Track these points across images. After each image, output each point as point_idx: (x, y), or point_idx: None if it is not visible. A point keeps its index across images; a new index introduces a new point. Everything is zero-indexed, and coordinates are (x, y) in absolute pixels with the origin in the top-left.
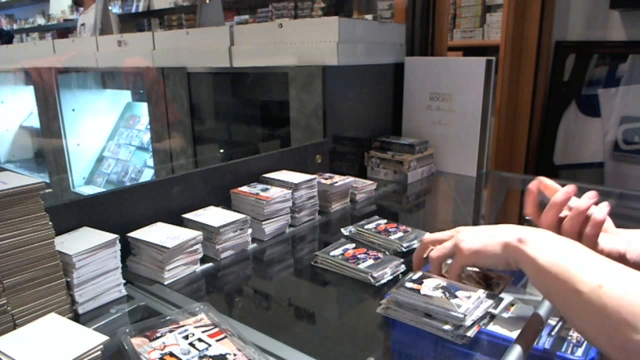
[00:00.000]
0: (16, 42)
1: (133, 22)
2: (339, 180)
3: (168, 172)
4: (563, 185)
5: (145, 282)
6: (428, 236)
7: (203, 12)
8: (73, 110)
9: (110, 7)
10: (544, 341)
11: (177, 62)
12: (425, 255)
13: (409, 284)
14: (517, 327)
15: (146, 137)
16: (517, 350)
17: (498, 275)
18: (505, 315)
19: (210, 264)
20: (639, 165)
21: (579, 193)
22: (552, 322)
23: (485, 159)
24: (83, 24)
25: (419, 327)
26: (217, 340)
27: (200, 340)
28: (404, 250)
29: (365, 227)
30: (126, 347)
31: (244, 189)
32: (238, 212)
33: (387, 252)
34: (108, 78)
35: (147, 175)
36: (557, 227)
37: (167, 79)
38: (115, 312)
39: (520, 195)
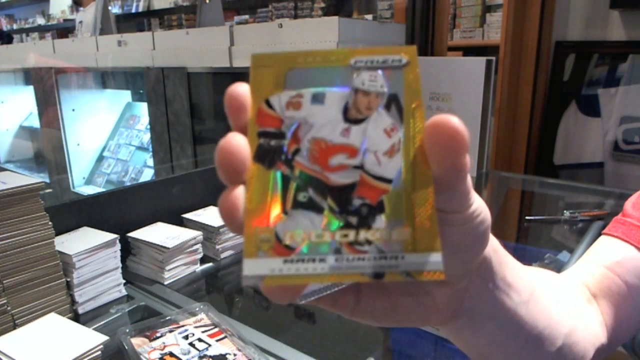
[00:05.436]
0: (16, 42)
1: (133, 22)
2: None
3: (168, 172)
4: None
5: (145, 282)
6: None
7: (203, 12)
8: (73, 110)
9: (110, 7)
10: None
11: (177, 62)
12: None
13: None
14: None
15: (146, 137)
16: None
17: None
18: None
19: (210, 264)
20: (639, 165)
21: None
22: None
23: (485, 158)
24: (81, 22)
25: (419, 327)
26: (217, 340)
27: (200, 340)
28: None
29: None
30: (126, 347)
31: None
32: None
33: None
34: (108, 78)
35: (147, 175)
36: None
37: (167, 79)
38: (115, 312)
39: (520, 195)
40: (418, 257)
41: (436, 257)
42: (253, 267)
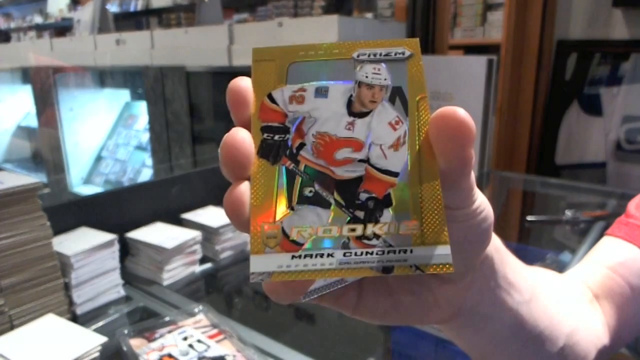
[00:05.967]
0: (14, 40)
1: (131, 20)
2: None
3: (167, 171)
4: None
5: (144, 283)
6: None
7: (202, 10)
8: (71, 109)
9: (108, 6)
10: None
11: (176, 61)
12: None
13: None
14: None
15: (145, 136)
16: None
17: None
18: None
19: (209, 265)
20: None
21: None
22: None
23: (486, 158)
24: (79, 20)
25: (420, 325)
26: (217, 342)
27: (199, 341)
28: None
29: None
30: (125, 348)
31: None
32: None
33: None
34: (106, 77)
35: (146, 175)
36: None
37: (166, 78)
38: (113, 312)
39: (521, 195)
40: (426, 250)
41: (444, 250)
42: (260, 264)
